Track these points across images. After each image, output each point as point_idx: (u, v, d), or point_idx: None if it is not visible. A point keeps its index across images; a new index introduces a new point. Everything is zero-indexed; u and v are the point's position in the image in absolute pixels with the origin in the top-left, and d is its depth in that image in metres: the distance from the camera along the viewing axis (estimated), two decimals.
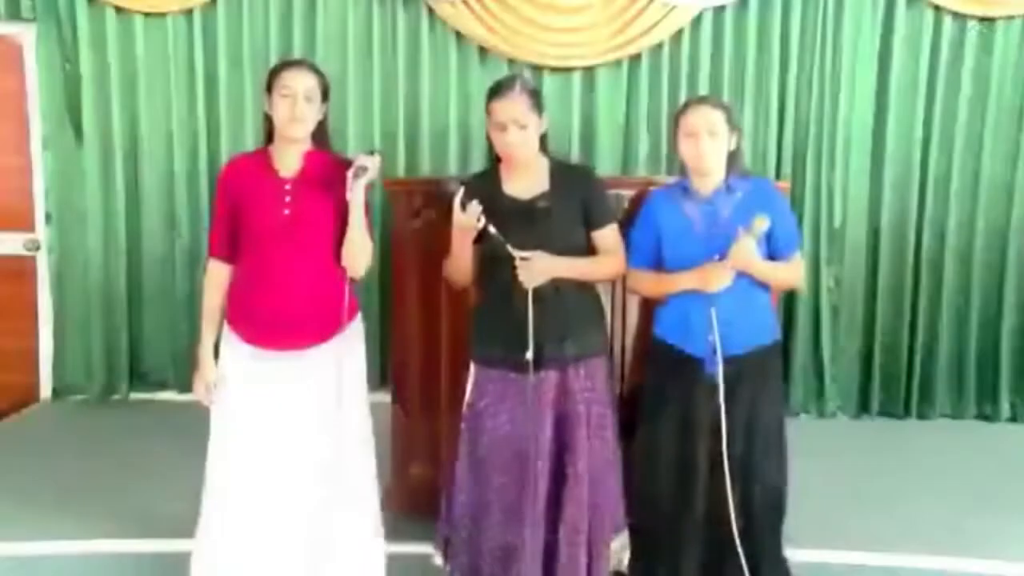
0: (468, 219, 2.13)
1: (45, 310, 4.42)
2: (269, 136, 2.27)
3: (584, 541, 2.21)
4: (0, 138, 4.36)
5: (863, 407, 4.36)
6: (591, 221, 2.26)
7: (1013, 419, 4.30)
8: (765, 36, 4.22)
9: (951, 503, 3.19)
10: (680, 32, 4.23)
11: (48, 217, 4.35)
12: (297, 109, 2.16)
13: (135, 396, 4.43)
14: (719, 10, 4.21)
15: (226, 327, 2.25)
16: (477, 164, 4.32)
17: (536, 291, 2.14)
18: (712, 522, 2.24)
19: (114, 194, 4.30)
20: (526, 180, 2.25)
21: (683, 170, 2.34)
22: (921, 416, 4.31)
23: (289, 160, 2.22)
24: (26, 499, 3.08)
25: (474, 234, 2.17)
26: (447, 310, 2.83)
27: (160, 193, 4.33)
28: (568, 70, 4.27)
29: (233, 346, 2.23)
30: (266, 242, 2.18)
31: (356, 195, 2.14)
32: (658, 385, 2.31)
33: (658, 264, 2.32)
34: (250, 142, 4.29)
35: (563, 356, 2.20)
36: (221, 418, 2.23)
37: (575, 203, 2.24)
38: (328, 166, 2.24)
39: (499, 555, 2.21)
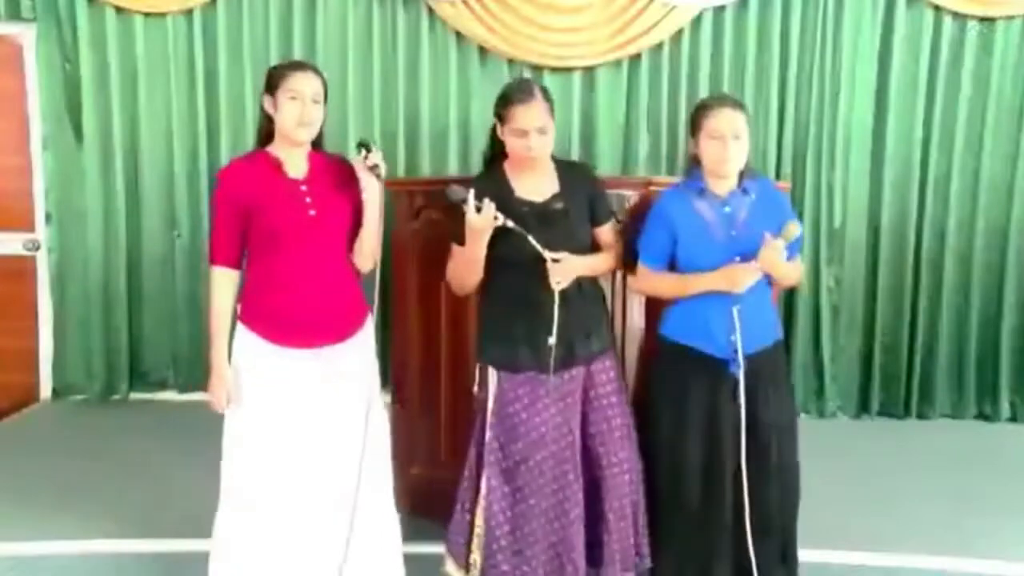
0: (484, 219, 2.11)
1: (45, 310, 4.42)
2: (268, 136, 2.25)
3: (630, 526, 2.26)
4: (0, 138, 4.36)
5: (863, 407, 4.36)
6: (595, 217, 2.30)
7: (1013, 419, 4.30)
8: (765, 36, 4.22)
9: (951, 503, 3.19)
10: (680, 32, 4.23)
11: (48, 217, 4.35)
12: (306, 113, 2.15)
13: (135, 396, 4.42)
14: (719, 10, 4.21)
15: (240, 328, 2.23)
16: (477, 164, 4.31)
17: (562, 291, 2.16)
18: (738, 522, 2.23)
19: (114, 194, 4.30)
20: (536, 182, 2.25)
21: (688, 171, 2.34)
22: (921, 416, 4.31)
23: (296, 162, 2.22)
24: (26, 499, 3.08)
25: (489, 235, 2.15)
26: (447, 310, 2.83)
27: (160, 193, 4.33)
28: (568, 70, 4.27)
29: (251, 346, 2.21)
30: (288, 243, 2.17)
31: (374, 193, 2.17)
32: (677, 387, 2.27)
33: (670, 264, 2.31)
34: (250, 142, 4.22)
35: (590, 352, 2.25)
36: (239, 418, 2.20)
37: (583, 201, 2.27)
38: (334, 165, 2.25)
39: (544, 558, 2.21)
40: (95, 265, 4.33)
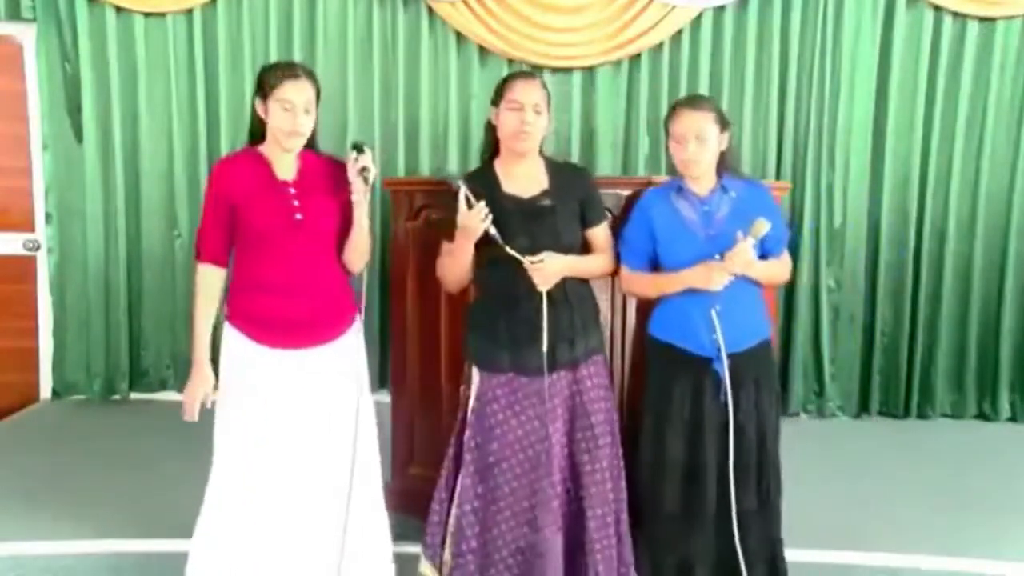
0: (473, 219, 2.10)
1: (45, 310, 4.42)
2: (259, 136, 2.23)
3: (613, 535, 2.22)
4: (0, 138, 4.36)
5: (863, 407, 4.36)
6: (587, 219, 2.28)
7: (1013, 419, 4.31)
8: (765, 36, 4.23)
9: (951, 503, 3.19)
10: (680, 32, 4.23)
11: (48, 217, 4.35)
12: (298, 124, 2.14)
13: (135, 396, 4.43)
14: (719, 10, 4.21)
15: (227, 327, 2.23)
16: (477, 163, 4.32)
17: (549, 293, 2.15)
18: (723, 522, 2.23)
19: (114, 194, 4.30)
20: (524, 179, 2.24)
21: (672, 170, 2.36)
22: (921, 416, 4.32)
23: (287, 163, 2.21)
24: (26, 499, 3.08)
25: (478, 235, 2.13)
26: (447, 310, 2.82)
27: (160, 193, 4.33)
28: (568, 70, 4.27)
29: (237, 346, 2.21)
30: (274, 245, 2.17)
31: (362, 195, 2.15)
32: (662, 385, 2.29)
33: (652, 263, 2.32)
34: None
35: (575, 356, 2.21)
36: (227, 418, 2.21)
37: (574, 201, 2.25)
38: (324, 167, 2.24)
39: (510, 562, 2.20)
40: (95, 265, 4.33)
